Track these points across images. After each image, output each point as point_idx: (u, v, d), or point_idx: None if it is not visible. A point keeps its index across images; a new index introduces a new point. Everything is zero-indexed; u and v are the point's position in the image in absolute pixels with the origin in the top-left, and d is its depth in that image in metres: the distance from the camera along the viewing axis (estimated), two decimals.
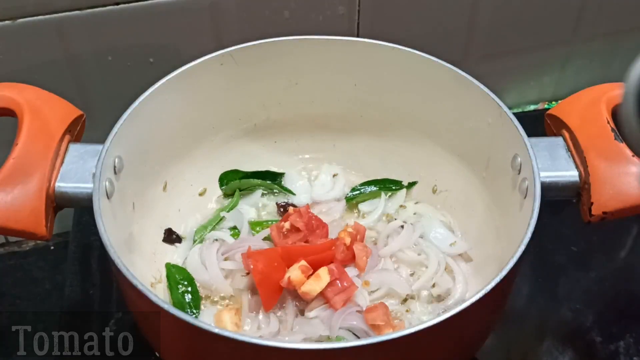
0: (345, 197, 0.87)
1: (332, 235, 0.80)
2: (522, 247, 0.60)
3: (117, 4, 0.80)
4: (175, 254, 0.81)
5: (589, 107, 0.72)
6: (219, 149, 0.86)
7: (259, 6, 0.86)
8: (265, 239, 0.80)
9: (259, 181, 0.87)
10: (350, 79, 0.83)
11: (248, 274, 0.75)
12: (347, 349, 0.54)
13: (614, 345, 0.78)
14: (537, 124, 0.78)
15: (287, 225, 0.78)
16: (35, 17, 0.78)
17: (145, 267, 0.76)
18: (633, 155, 0.67)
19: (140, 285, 0.57)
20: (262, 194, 0.87)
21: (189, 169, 0.84)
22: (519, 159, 0.70)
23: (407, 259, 0.79)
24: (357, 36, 0.90)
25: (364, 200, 0.87)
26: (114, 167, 0.69)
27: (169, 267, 0.79)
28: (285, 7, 0.87)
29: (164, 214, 0.82)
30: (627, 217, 0.68)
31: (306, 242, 0.78)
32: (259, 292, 0.72)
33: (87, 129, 0.74)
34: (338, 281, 0.72)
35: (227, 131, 0.85)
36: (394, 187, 0.88)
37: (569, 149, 0.71)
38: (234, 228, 0.83)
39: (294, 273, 0.71)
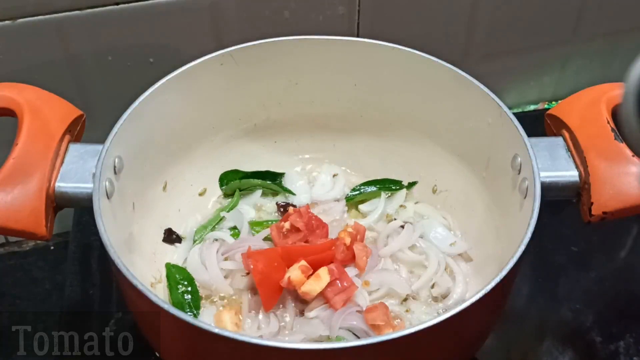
0: (345, 197, 0.87)
1: (332, 235, 0.80)
2: (522, 247, 0.60)
3: (117, 4, 0.80)
4: (175, 254, 0.81)
5: (589, 107, 0.72)
6: (219, 149, 0.86)
7: (259, 6, 0.86)
8: (265, 239, 0.80)
9: (259, 181, 0.87)
10: (350, 79, 0.83)
11: (248, 274, 0.75)
12: (347, 349, 0.54)
13: (614, 345, 0.78)
14: (537, 124, 0.78)
15: (287, 225, 0.78)
16: (35, 17, 0.78)
17: (145, 267, 0.76)
18: (633, 155, 0.67)
19: (140, 285, 0.57)
20: (262, 194, 0.87)
21: (189, 169, 0.84)
22: (519, 159, 0.70)
23: (407, 259, 0.79)
24: (357, 36, 0.89)
25: (364, 200, 0.87)
26: (114, 167, 0.69)
27: (169, 267, 0.79)
28: (285, 7, 0.87)
29: (164, 214, 0.82)
30: (627, 217, 0.68)
31: (306, 242, 0.78)
32: (259, 292, 0.72)
33: (87, 129, 0.74)
34: (338, 281, 0.72)
35: (227, 131, 0.85)
36: (394, 187, 0.88)
37: (569, 149, 0.71)
38: (234, 228, 0.83)
39: (294, 273, 0.71)
